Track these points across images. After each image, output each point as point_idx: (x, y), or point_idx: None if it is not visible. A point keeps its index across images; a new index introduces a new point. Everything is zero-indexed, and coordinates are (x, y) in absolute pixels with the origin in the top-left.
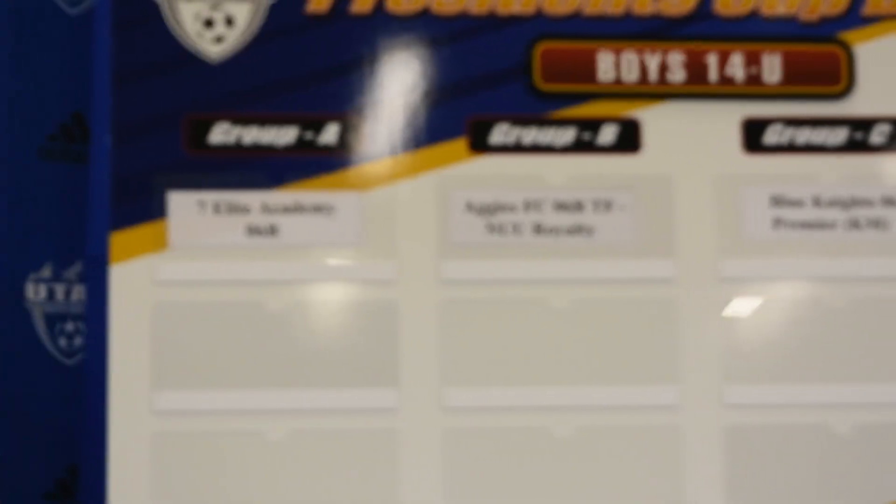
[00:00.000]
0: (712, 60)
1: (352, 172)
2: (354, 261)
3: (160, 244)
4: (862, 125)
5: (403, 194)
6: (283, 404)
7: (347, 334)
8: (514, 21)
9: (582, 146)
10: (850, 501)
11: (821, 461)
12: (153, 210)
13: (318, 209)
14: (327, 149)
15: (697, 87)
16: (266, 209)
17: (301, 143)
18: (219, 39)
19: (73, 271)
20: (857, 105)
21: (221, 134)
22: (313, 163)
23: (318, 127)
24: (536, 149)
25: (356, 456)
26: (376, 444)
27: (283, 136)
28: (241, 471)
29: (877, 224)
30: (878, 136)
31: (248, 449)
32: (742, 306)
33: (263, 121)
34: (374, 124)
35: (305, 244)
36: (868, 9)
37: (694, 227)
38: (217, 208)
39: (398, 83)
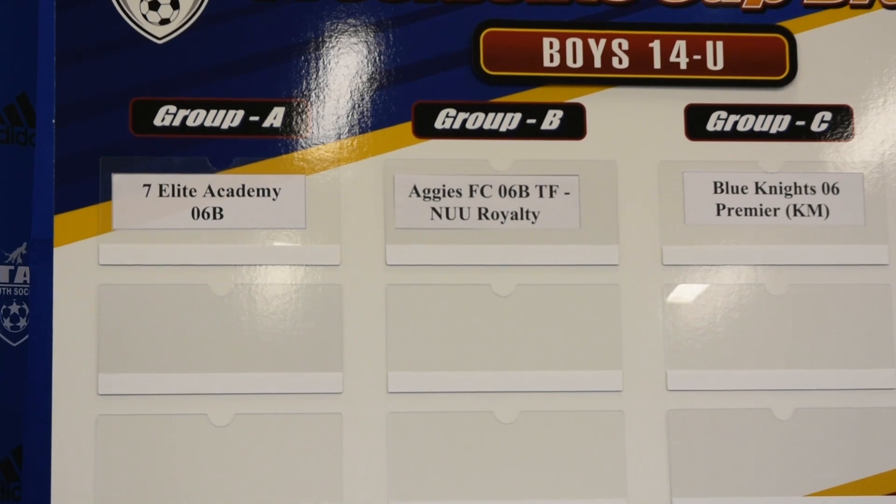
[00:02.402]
0: (656, 47)
1: (297, 156)
2: (299, 244)
3: (105, 227)
4: (804, 112)
5: (349, 178)
6: (229, 388)
7: (292, 318)
8: (459, 6)
9: (527, 131)
10: (791, 486)
11: (763, 446)
12: (98, 192)
13: (263, 192)
14: (273, 132)
15: (642, 74)
16: (211, 192)
17: (247, 127)
18: (164, 21)
19: (18, 253)
20: (799, 93)
21: (167, 116)
22: (259, 146)
23: (263, 110)
24: (481, 134)
25: (301, 439)
26: (321, 427)
27: (229, 119)
28: (185, 454)
29: (818, 211)
30: (819, 123)
31: (192, 432)
32: (685, 292)
33: (209, 104)
34: (320, 108)
35: (250, 227)
36: None
37: (637, 212)
38: (162, 191)
39: (344, 67)
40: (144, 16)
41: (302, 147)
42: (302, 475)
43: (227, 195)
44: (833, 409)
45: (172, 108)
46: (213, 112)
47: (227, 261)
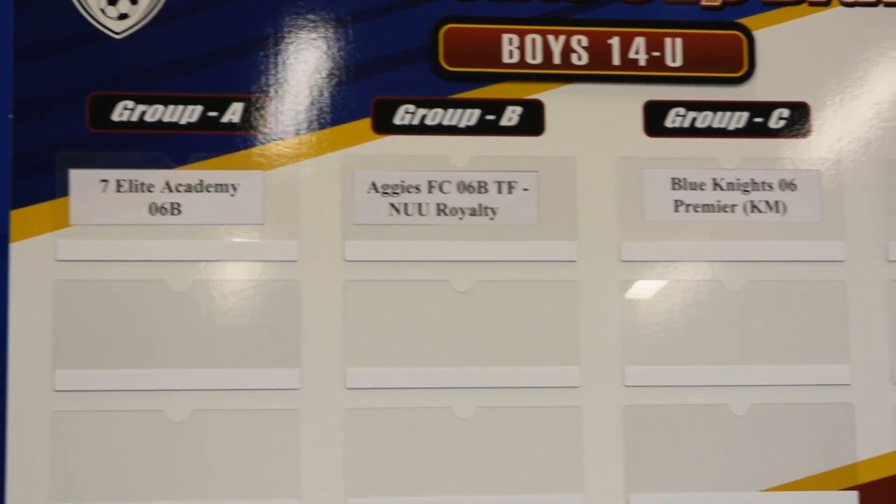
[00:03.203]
0: (615, 44)
1: (256, 152)
2: (257, 240)
3: (62, 222)
4: (762, 109)
5: (307, 174)
6: (186, 384)
7: (250, 314)
8: (419, 2)
9: (486, 127)
10: (747, 481)
11: (719, 441)
12: (55, 188)
13: (221, 188)
14: (231, 128)
15: (601, 71)
16: (169, 188)
17: (205, 122)
18: (123, 16)
19: None
20: (757, 89)
21: (125, 112)
22: (217, 142)
23: (222, 106)
24: (440, 130)
25: (259, 435)
26: (279, 423)
27: (188, 114)
28: (143, 450)
29: (776, 207)
30: (777, 120)
31: (150, 428)
32: (643, 288)
33: (167, 99)
34: (279, 104)
35: (208, 223)
36: None
37: (596, 208)
38: (119, 186)
39: (303, 63)
40: (103, 11)
41: (260, 143)
42: (259, 471)
43: (185, 191)
44: (789, 405)
45: (130, 104)
46: (171, 107)
47: (185, 256)
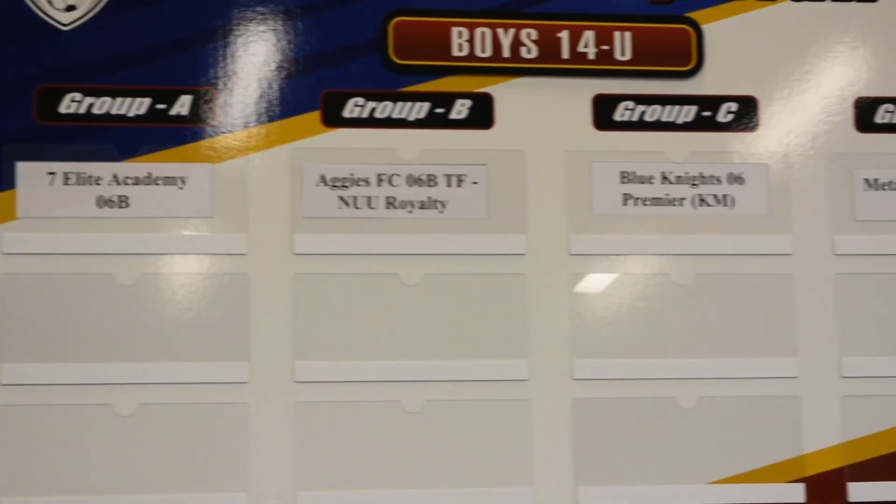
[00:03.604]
0: (565, 37)
1: (204, 144)
2: (206, 233)
3: (8, 215)
4: (710, 103)
5: (256, 167)
6: (134, 377)
7: (198, 307)
8: None
9: (435, 121)
10: (695, 474)
11: (667, 434)
12: (2, 180)
13: (169, 181)
14: (180, 120)
15: (550, 64)
16: (117, 180)
17: (153, 115)
18: (71, 8)
19: None
20: (705, 83)
21: (72, 104)
22: (166, 134)
23: (170, 98)
24: (389, 123)
25: (207, 429)
26: (227, 417)
27: (136, 107)
28: (90, 444)
29: (723, 201)
30: (725, 114)
31: (97, 422)
32: (592, 281)
33: (115, 91)
34: (228, 96)
35: (156, 216)
36: None
37: (545, 202)
38: (67, 179)
39: (252, 56)
40: (50, 2)
41: (209, 135)
42: (207, 465)
43: (133, 183)
44: (736, 398)
45: (78, 96)
46: (119, 100)
47: (133, 250)
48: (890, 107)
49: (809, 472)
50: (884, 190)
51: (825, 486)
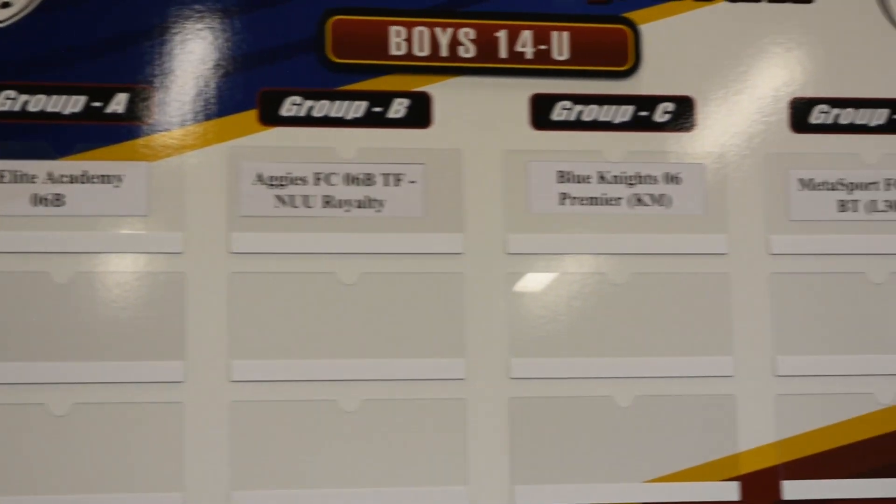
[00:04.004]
0: (503, 37)
1: (140, 143)
2: (142, 231)
3: None
4: (647, 103)
5: (192, 165)
6: (68, 376)
7: (134, 306)
8: None
9: (373, 119)
10: (631, 472)
11: (603, 433)
12: None
13: (105, 179)
14: (116, 118)
15: (487, 63)
16: (52, 178)
17: (89, 113)
18: (6, 5)
19: None
20: (642, 83)
21: (7, 101)
22: (102, 132)
23: (106, 96)
24: (327, 121)
25: (142, 429)
26: (163, 416)
27: (71, 104)
28: (23, 444)
29: (660, 200)
30: (662, 114)
31: (31, 422)
32: (529, 280)
33: (51, 89)
34: (164, 94)
35: (92, 214)
36: None
37: (482, 201)
38: (1, 177)
39: (189, 53)
40: None
41: (145, 133)
42: (143, 464)
43: (69, 182)
44: (672, 396)
45: (13, 93)
46: (54, 97)
47: (68, 248)
48: (825, 107)
49: (744, 471)
50: (818, 190)
51: (760, 484)
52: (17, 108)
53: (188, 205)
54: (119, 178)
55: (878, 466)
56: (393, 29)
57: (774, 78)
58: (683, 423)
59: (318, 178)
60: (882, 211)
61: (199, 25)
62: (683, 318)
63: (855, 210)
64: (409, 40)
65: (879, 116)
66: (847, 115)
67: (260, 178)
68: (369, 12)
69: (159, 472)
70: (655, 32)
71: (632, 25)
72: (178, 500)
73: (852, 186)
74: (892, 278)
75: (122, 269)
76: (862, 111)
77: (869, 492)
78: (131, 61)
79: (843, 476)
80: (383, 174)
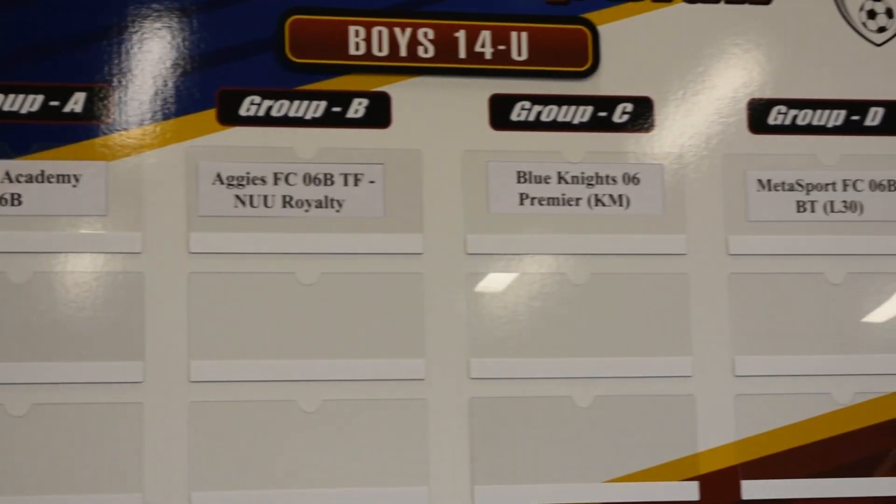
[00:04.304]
0: (462, 37)
1: (99, 142)
2: (100, 231)
3: None
4: (606, 104)
5: (151, 165)
6: (27, 377)
7: (92, 306)
8: None
9: (332, 119)
10: (590, 472)
11: (563, 433)
12: None
13: (63, 179)
14: (74, 117)
15: (447, 63)
16: (9, 178)
17: (47, 112)
18: None
19: None
20: (601, 84)
21: None
22: (59, 132)
23: (64, 95)
24: (286, 121)
25: (101, 429)
26: (121, 417)
27: (28, 104)
28: None
29: (619, 201)
30: (621, 114)
31: None
32: (488, 281)
33: (7, 88)
34: (122, 94)
35: (50, 214)
36: None
37: (442, 201)
38: None
39: (147, 53)
40: None
41: (104, 133)
42: (102, 465)
43: (26, 181)
44: (631, 397)
45: None
46: (11, 96)
47: (26, 248)
48: (783, 108)
49: (704, 471)
50: (776, 191)
51: (719, 484)
52: None
53: (147, 204)
54: (77, 178)
55: (836, 466)
56: (352, 29)
57: (733, 79)
58: (643, 423)
59: (278, 178)
60: (840, 212)
61: (158, 24)
62: (643, 319)
63: (813, 211)
64: (367, 40)
65: (837, 118)
66: (805, 116)
67: (219, 178)
68: (328, 12)
69: (119, 473)
70: (614, 33)
71: (591, 26)
72: (137, 500)
73: (810, 187)
74: (849, 279)
75: (80, 269)
76: (820, 112)
77: (827, 491)
78: (89, 60)
79: (802, 476)
80: (343, 174)
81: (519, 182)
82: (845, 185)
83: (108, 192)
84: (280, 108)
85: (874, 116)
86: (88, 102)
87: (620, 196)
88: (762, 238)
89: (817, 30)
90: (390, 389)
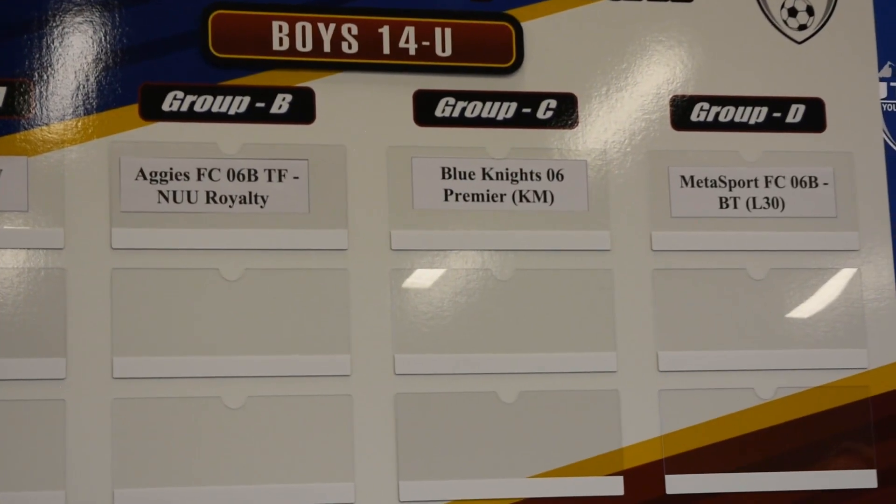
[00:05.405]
0: (386, 33)
1: (19, 137)
2: (21, 227)
3: None
4: (530, 100)
5: (73, 160)
6: None
7: (14, 303)
8: None
9: (256, 115)
10: (515, 468)
11: (488, 428)
12: None
13: None
14: None
15: (371, 59)
16: None
17: None
18: None
19: None
20: (525, 80)
21: None
22: None
23: None
24: (210, 117)
25: (23, 427)
26: (44, 414)
27: None
28: None
29: (543, 197)
30: (545, 111)
31: None
32: (413, 276)
33: None
34: (43, 88)
35: None
36: None
37: (366, 197)
38: None
39: (69, 47)
40: None
41: (24, 128)
42: (24, 462)
43: None
44: (556, 392)
45: None
46: None
47: None
48: (705, 105)
49: (628, 465)
50: (699, 187)
51: (644, 479)
52: None
53: (69, 200)
54: None
55: (760, 460)
56: (275, 24)
57: (656, 76)
58: (568, 418)
59: (201, 174)
60: (762, 208)
61: (79, 18)
62: (567, 314)
63: (735, 207)
64: (291, 35)
65: (759, 114)
66: (727, 113)
67: (142, 174)
68: (251, 7)
69: (41, 470)
70: (538, 29)
71: (514, 22)
72: (60, 498)
73: (733, 184)
74: (771, 274)
75: (1, 264)
76: (742, 109)
77: (751, 486)
78: (9, 54)
79: (726, 470)
80: (267, 170)
81: (443, 178)
82: (767, 182)
83: (30, 188)
84: (203, 103)
85: (796, 113)
86: (9, 97)
87: (545, 192)
88: (685, 234)
89: (739, 27)
90: (316, 385)
